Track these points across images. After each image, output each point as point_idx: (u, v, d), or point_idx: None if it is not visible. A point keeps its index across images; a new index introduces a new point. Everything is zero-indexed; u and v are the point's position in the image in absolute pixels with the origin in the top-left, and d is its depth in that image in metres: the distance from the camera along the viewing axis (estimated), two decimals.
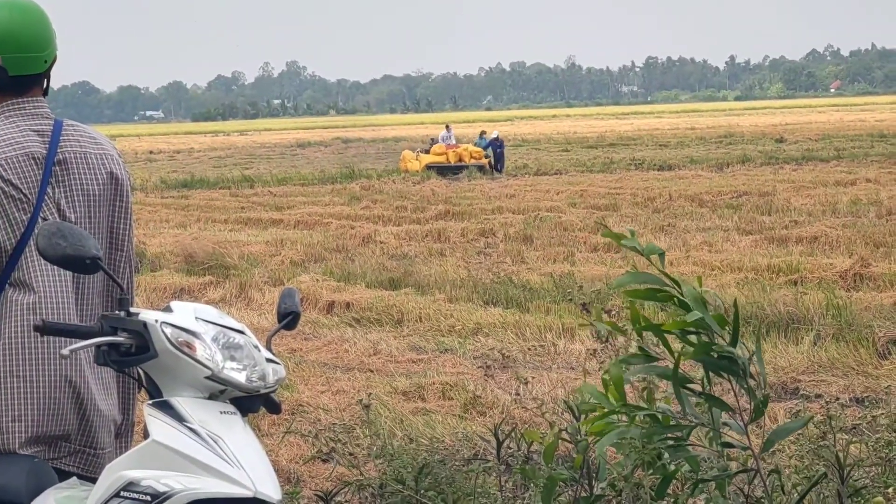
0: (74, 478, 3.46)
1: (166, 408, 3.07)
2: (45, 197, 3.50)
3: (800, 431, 4.16)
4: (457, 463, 5.56)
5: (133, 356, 3.11)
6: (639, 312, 3.71)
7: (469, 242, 18.69)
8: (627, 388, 3.75)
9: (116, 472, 3.05)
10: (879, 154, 38.64)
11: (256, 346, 3.20)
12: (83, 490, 3.32)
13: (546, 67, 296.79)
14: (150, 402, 3.12)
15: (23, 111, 3.58)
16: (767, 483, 3.89)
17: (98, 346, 3.11)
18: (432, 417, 7.77)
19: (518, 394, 5.55)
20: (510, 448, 5.28)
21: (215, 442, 3.01)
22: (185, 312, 3.15)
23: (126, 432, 3.70)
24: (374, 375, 9.56)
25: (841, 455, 4.22)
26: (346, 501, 5.71)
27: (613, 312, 4.62)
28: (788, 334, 10.13)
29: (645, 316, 3.75)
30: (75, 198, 3.56)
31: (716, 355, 3.64)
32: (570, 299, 4.74)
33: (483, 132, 43.47)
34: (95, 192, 3.60)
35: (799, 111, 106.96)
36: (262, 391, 3.19)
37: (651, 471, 3.71)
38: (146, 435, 3.06)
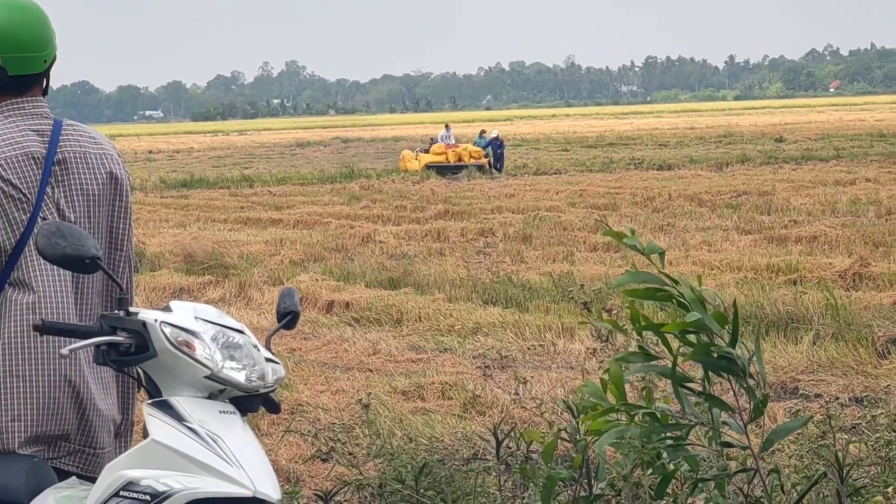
0: (74, 477, 3.46)
1: (166, 407, 3.07)
2: (45, 196, 3.50)
3: (799, 431, 4.16)
4: (456, 462, 5.55)
5: (132, 356, 3.11)
6: (638, 312, 3.71)
7: (468, 242, 18.69)
8: (627, 387, 3.76)
9: (116, 471, 3.05)
10: (879, 153, 38.66)
11: (256, 346, 3.20)
12: (82, 490, 3.32)
13: (545, 67, 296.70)
14: (150, 401, 3.12)
15: (22, 111, 3.58)
16: (767, 482, 3.89)
17: (97, 346, 3.10)
18: (432, 417, 7.77)
19: (517, 393, 5.55)
20: (509, 447, 5.28)
21: (215, 441, 3.01)
22: (184, 312, 3.15)
23: (125, 432, 3.70)
24: (374, 375, 9.57)
25: (840, 454, 4.22)
26: (345, 501, 5.71)
27: (613, 312, 4.62)
28: (788, 334, 10.14)
29: (644, 315, 3.75)
30: (75, 197, 3.56)
31: (715, 355, 3.64)
32: (571, 298, 4.75)
33: (483, 131, 43.48)
34: (95, 191, 3.60)
35: (798, 111, 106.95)
36: (262, 391, 3.19)
37: (650, 470, 3.71)
38: (145, 434, 3.06)
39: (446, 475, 4.94)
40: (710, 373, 3.70)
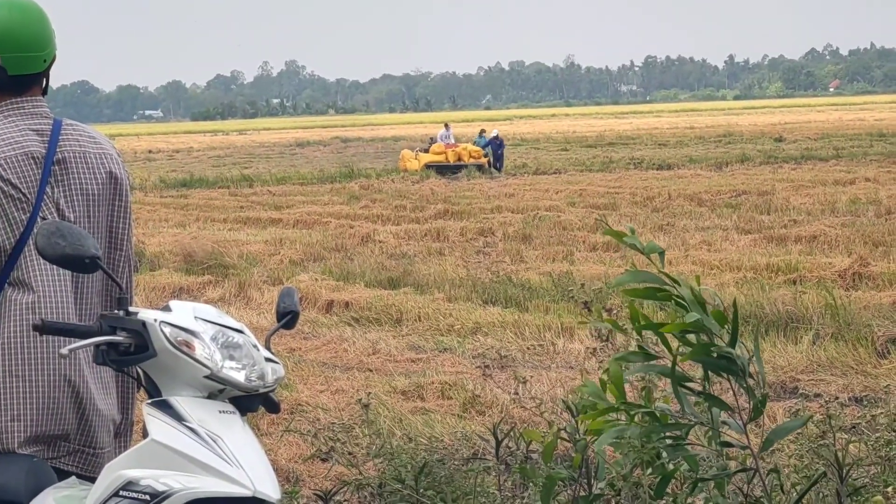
0: (73, 477, 3.46)
1: (165, 407, 3.07)
2: (45, 196, 3.50)
3: (799, 431, 4.16)
4: (456, 462, 5.56)
5: (132, 355, 3.11)
6: (638, 311, 3.71)
7: (468, 242, 18.69)
8: (627, 387, 3.75)
9: (115, 471, 3.05)
10: (878, 153, 38.65)
11: (255, 346, 3.20)
12: (82, 489, 3.32)
13: (545, 67, 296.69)
14: (149, 401, 3.12)
15: (22, 110, 3.58)
16: (766, 482, 3.89)
17: (97, 346, 3.10)
18: (431, 417, 7.77)
19: (517, 393, 5.55)
20: (509, 447, 5.28)
21: (214, 441, 3.01)
22: (184, 312, 3.15)
23: (125, 432, 3.70)
24: (373, 375, 9.57)
25: (840, 454, 4.21)
26: (345, 501, 5.71)
27: (613, 311, 4.62)
28: (787, 333, 10.14)
29: (644, 315, 3.75)
30: (74, 197, 3.56)
31: (715, 355, 3.64)
32: (571, 298, 4.75)
33: (482, 131, 43.49)
34: (94, 191, 3.60)
35: (798, 110, 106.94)
36: (261, 390, 3.19)
37: (650, 470, 3.71)
38: (145, 434, 3.06)
39: (446, 475, 4.94)
40: (709, 372, 3.70)
